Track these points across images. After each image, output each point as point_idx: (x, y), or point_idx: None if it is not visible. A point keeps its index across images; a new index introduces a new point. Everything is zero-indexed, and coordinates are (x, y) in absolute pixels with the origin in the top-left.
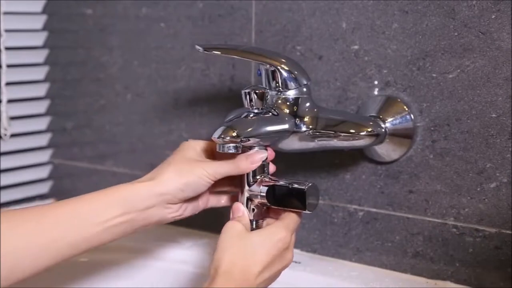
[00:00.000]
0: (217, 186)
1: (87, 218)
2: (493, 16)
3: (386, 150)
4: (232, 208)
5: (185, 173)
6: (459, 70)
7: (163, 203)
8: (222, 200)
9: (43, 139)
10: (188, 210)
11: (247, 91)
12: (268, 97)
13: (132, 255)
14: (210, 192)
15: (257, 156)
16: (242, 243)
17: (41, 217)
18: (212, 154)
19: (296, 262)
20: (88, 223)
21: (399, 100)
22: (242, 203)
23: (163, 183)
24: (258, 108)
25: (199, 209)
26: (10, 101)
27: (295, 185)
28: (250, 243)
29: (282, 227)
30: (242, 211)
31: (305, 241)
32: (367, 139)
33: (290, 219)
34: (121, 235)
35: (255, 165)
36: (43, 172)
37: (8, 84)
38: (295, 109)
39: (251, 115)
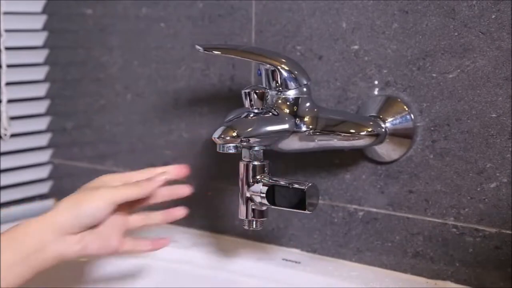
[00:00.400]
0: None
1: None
2: (493, 16)
3: (386, 150)
4: None
5: (81, 201)
6: (459, 70)
7: (59, 235)
8: (139, 246)
9: (43, 139)
10: (92, 246)
11: (247, 91)
12: (268, 97)
13: (133, 255)
14: (124, 236)
15: (159, 171)
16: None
17: None
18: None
19: (296, 262)
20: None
21: (399, 100)
22: (243, 203)
23: (56, 215)
24: (258, 108)
25: (110, 250)
26: (10, 101)
27: (295, 185)
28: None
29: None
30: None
31: (305, 241)
32: (367, 139)
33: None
34: (22, 278)
35: (157, 184)
36: (43, 172)
37: (8, 84)
38: (295, 109)
39: (251, 115)
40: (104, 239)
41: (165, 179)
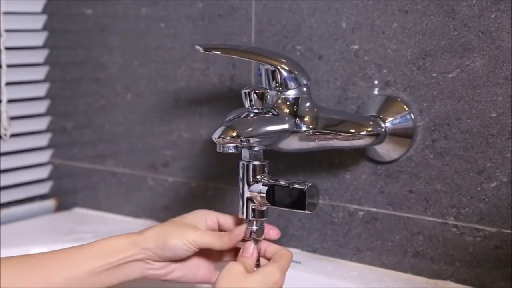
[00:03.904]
0: (216, 257)
1: (76, 267)
2: (493, 16)
3: (386, 150)
4: (244, 246)
5: (167, 235)
6: (459, 70)
7: (143, 258)
8: None
9: (43, 139)
10: (176, 273)
11: (247, 91)
12: (268, 97)
13: None
14: (215, 267)
15: (237, 231)
16: (238, 284)
17: (39, 265)
18: (216, 229)
19: (296, 262)
20: (77, 271)
21: (399, 99)
22: (243, 204)
23: (144, 239)
24: (258, 108)
25: (197, 279)
26: (10, 101)
27: (295, 185)
28: (246, 285)
29: (277, 270)
30: (250, 253)
31: (305, 241)
32: (367, 139)
33: (285, 261)
34: (107, 283)
35: (236, 240)
36: (43, 172)
37: (8, 84)
38: (295, 109)
39: (251, 115)
40: (191, 269)
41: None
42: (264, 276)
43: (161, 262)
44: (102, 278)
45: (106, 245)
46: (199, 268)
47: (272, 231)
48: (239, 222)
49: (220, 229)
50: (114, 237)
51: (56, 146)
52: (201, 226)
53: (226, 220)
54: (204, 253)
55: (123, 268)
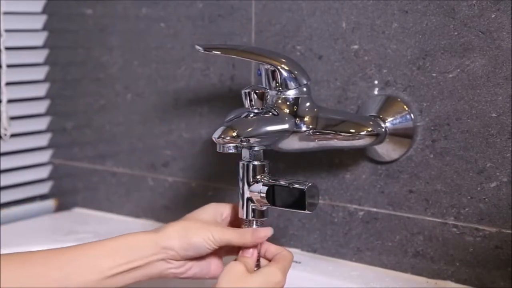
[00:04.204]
0: (223, 252)
1: (89, 265)
2: (493, 16)
3: (386, 150)
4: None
5: (190, 233)
6: (459, 70)
7: (165, 257)
8: None
9: (43, 139)
10: (193, 270)
11: (247, 91)
12: (268, 97)
13: None
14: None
15: (263, 233)
16: (240, 284)
17: (46, 262)
18: (232, 219)
19: (296, 262)
20: (90, 270)
21: (399, 99)
22: (243, 204)
23: (167, 239)
24: (258, 108)
25: (210, 275)
26: (10, 101)
27: (295, 185)
28: (248, 285)
29: (279, 270)
30: (251, 253)
31: (305, 241)
32: (367, 139)
33: (286, 262)
34: (122, 284)
35: (259, 241)
36: (43, 172)
37: (8, 84)
38: (295, 109)
39: (251, 115)
40: (204, 265)
41: (265, 236)
42: (266, 276)
43: (181, 261)
44: (117, 279)
45: (122, 243)
46: (211, 263)
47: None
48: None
49: (231, 220)
50: (130, 235)
51: (56, 146)
52: (220, 220)
53: (234, 210)
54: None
55: (142, 269)
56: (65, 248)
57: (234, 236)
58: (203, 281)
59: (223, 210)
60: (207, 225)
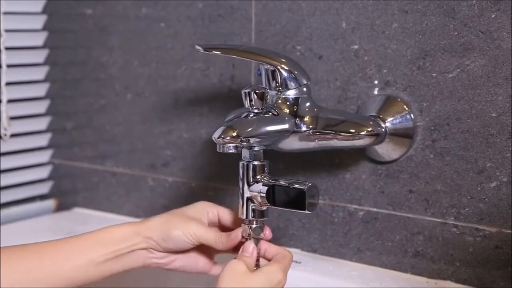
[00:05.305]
0: (214, 250)
1: (79, 253)
2: (493, 16)
3: (386, 150)
4: (244, 246)
5: (170, 226)
6: (459, 70)
7: (147, 247)
8: None
9: (43, 139)
10: (177, 263)
11: (247, 91)
12: (268, 97)
13: None
14: (214, 260)
15: (235, 241)
16: (242, 283)
17: (41, 255)
18: (224, 223)
19: (296, 262)
20: (80, 256)
21: (399, 99)
22: (243, 204)
23: (148, 229)
24: (258, 108)
25: (197, 270)
26: (10, 101)
27: (295, 185)
28: (250, 285)
29: (280, 269)
30: (250, 252)
31: (305, 241)
32: (367, 139)
33: (287, 262)
34: (109, 273)
35: (231, 247)
36: (43, 172)
37: (8, 84)
38: (295, 109)
39: (251, 115)
40: (191, 259)
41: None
42: (268, 275)
43: (162, 252)
44: (105, 267)
45: (108, 234)
46: (199, 259)
47: (267, 232)
48: (237, 217)
49: (220, 223)
50: (115, 226)
51: (56, 146)
52: (203, 219)
53: (225, 214)
54: (204, 246)
55: (126, 257)
56: (58, 240)
57: (210, 237)
58: (204, 279)
59: (210, 210)
60: (189, 220)
